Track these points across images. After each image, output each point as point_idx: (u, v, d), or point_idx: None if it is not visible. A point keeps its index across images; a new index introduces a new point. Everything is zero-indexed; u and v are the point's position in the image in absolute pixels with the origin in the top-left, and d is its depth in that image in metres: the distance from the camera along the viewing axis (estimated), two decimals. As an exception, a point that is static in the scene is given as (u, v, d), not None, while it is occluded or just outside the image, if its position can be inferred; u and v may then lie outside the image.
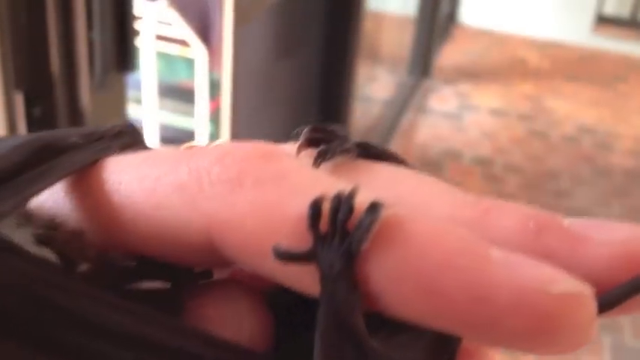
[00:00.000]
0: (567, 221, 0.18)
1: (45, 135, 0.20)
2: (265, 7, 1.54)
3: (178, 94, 1.53)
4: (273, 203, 0.17)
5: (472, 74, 3.19)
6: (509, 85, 3.14)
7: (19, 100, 0.79)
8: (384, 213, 0.16)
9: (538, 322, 0.15)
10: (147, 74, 1.46)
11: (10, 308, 0.15)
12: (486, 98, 3.02)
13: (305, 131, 0.21)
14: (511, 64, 3.35)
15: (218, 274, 0.21)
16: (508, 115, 2.93)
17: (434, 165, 2.56)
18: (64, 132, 0.20)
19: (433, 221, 0.17)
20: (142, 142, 0.22)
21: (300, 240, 0.16)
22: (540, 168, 2.62)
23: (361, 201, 0.16)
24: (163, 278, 0.19)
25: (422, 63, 3.05)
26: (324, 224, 0.16)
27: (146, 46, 1.42)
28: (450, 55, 3.33)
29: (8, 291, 0.15)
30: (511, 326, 0.15)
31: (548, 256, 0.17)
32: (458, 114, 2.89)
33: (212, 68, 1.43)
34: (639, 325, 1.80)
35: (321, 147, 0.20)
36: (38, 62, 0.80)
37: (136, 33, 0.95)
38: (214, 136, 1.49)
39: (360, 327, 0.16)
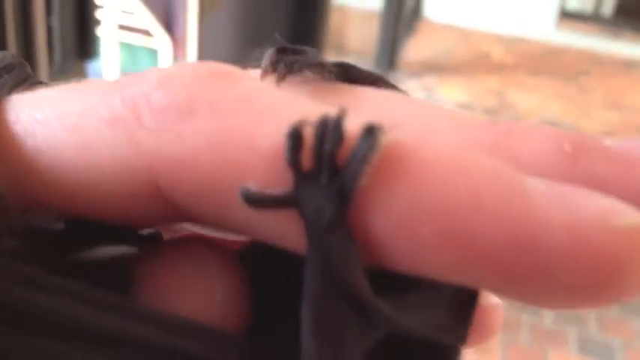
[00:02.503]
0: (608, 141, 0.14)
1: None
2: (230, -3, 1.52)
3: (141, 85, 1.50)
4: (237, 134, 0.13)
5: (437, 68, 3.20)
6: (474, 79, 3.16)
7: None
8: (385, 138, 0.12)
9: (601, 267, 0.12)
10: (109, 64, 1.43)
11: None
12: (451, 92, 3.03)
13: (269, 52, 0.16)
14: (476, 59, 3.36)
15: (169, 234, 0.16)
16: (473, 109, 2.94)
17: (400, 159, 2.56)
18: None
19: (448, 147, 0.13)
20: (38, 79, 0.17)
21: (276, 179, 0.13)
22: (505, 161, 2.64)
23: (353, 126, 0.12)
24: (101, 243, 0.15)
25: (388, 56, 3.05)
26: (306, 157, 0.12)
27: (108, 35, 1.39)
28: (415, 49, 3.34)
29: None
30: (567, 274, 0.12)
31: (592, 183, 0.13)
32: (424, 108, 2.90)
33: (176, 59, 1.41)
34: (604, 318, 1.82)
35: (288, 58, 0.16)
36: (-5, 49, 0.78)
37: (96, 21, 0.93)
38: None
39: (361, 287, 0.12)
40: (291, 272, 0.14)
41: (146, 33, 1.41)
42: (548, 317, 1.77)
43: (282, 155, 0.12)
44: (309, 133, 0.12)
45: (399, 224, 0.12)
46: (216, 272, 0.15)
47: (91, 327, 0.13)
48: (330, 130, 0.12)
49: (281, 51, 0.16)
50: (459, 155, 0.13)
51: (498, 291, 0.13)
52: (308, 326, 0.12)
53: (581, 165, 0.14)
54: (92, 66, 1.06)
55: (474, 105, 2.96)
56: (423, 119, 0.15)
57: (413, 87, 3.01)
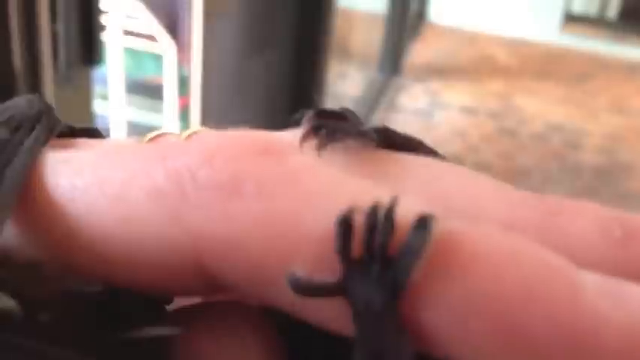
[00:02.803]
0: None
1: None
2: (236, 1, 1.52)
3: (146, 90, 1.50)
4: (284, 216, 0.13)
5: (442, 72, 3.20)
6: (479, 82, 3.15)
7: (-21, 94, 0.76)
8: (437, 229, 0.12)
9: None
10: (114, 70, 1.43)
11: None
12: (456, 96, 3.02)
13: (309, 116, 0.16)
14: (480, 62, 3.36)
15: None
16: (478, 112, 2.93)
17: (405, 163, 2.56)
18: None
19: (501, 235, 0.12)
20: (64, 123, 0.17)
21: (325, 266, 0.12)
22: (510, 166, 2.63)
23: (404, 214, 0.12)
24: (143, 317, 0.15)
25: (392, 60, 3.05)
26: (357, 246, 0.12)
27: (113, 40, 1.39)
28: (420, 52, 3.33)
29: None
30: None
31: None
32: (428, 111, 2.89)
33: (181, 64, 1.41)
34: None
35: (329, 125, 0.15)
36: (0, 55, 0.77)
37: (101, 26, 0.93)
38: (183, 133, 1.46)
39: None
40: (327, 341, 0.14)
41: (151, 38, 1.41)
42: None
43: (331, 242, 0.12)
44: (359, 221, 0.12)
45: (452, 317, 0.12)
46: (252, 337, 0.15)
47: None
48: (381, 219, 0.12)
49: (321, 115, 0.16)
50: (510, 246, 0.12)
51: None
52: None
53: (631, 251, 0.13)
54: (96, 71, 1.05)
55: (479, 109, 2.96)
56: (468, 193, 0.15)
57: (417, 91, 3.00)
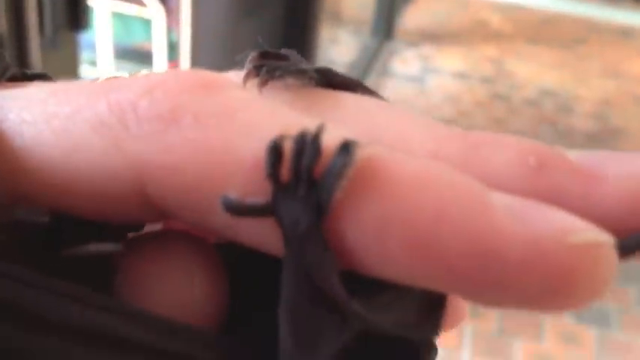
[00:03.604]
0: (573, 154, 0.15)
1: None
2: (225, -35, 1.50)
3: (135, 56, 1.49)
4: (219, 144, 0.14)
5: (435, 37, 3.18)
6: (472, 47, 3.14)
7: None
8: (359, 154, 0.13)
9: (556, 279, 0.13)
10: (102, 35, 1.42)
11: None
12: (449, 61, 3.01)
13: (252, 56, 0.17)
14: (473, 27, 3.34)
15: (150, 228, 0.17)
16: (470, 78, 2.92)
17: (397, 128, 2.55)
18: None
19: (418, 161, 0.14)
20: (22, 71, 0.18)
21: (256, 189, 0.13)
22: (503, 131, 2.61)
23: (330, 140, 0.13)
24: (85, 236, 0.16)
25: (385, 25, 3.03)
26: (285, 170, 0.13)
27: (101, 5, 1.38)
28: (413, 17, 3.31)
29: None
30: (523, 285, 0.13)
31: (554, 197, 0.14)
32: (421, 77, 2.88)
33: (170, 29, 1.39)
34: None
35: (270, 64, 0.16)
36: (-15, 20, 0.76)
37: (88, -10, 0.91)
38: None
39: (338, 291, 0.13)
40: (266, 269, 0.15)
41: (139, 3, 1.39)
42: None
43: (262, 167, 0.13)
44: (288, 147, 0.13)
45: (370, 235, 0.13)
46: (194, 265, 0.15)
47: (72, 323, 0.13)
48: (308, 144, 0.13)
49: (263, 55, 0.17)
50: (428, 169, 0.13)
51: (462, 295, 0.14)
52: (286, 326, 0.13)
53: (544, 179, 0.15)
54: (84, 37, 1.04)
55: (471, 74, 2.95)
56: (398, 128, 0.16)
57: (410, 56, 2.99)
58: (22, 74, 0.17)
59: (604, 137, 2.65)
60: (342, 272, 0.13)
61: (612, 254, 0.13)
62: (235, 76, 0.17)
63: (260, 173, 0.13)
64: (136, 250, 0.16)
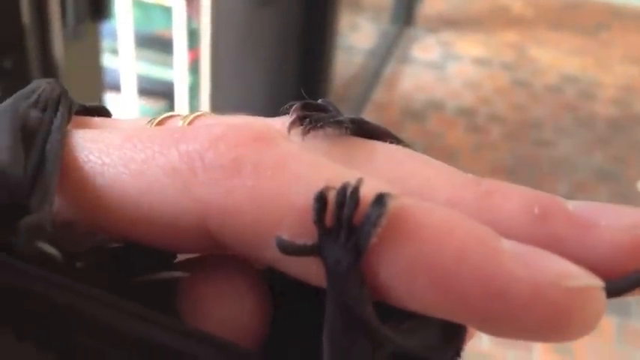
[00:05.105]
0: (572, 205, 0.18)
1: (6, 112, 0.18)
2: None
3: (156, 43, 1.49)
4: (274, 192, 0.16)
5: (455, 22, 3.16)
6: (493, 33, 3.11)
7: (-12, 51, 0.76)
8: (391, 205, 0.16)
9: (553, 317, 0.15)
10: (123, 24, 1.42)
11: (10, 307, 0.15)
12: (469, 47, 2.99)
13: (295, 107, 0.20)
14: (494, 12, 3.31)
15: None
16: (491, 64, 2.90)
17: (417, 116, 2.54)
18: (11, 104, 0.19)
19: (442, 210, 0.16)
20: (82, 105, 0.21)
21: (304, 232, 0.16)
22: (523, 118, 2.61)
23: (367, 192, 0.16)
24: (154, 264, 0.18)
25: (405, 11, 3.01)
26: (329, 217, 0.16)
27: (122, -6, 1.38)
28: (433, 3, 3.29)
29: (8, 290, 0.15)
30: (526, 320, 0.15)
31: (554, 243, 0.17)
32: (441, 63, 2.86)
33: (190, 17, 1.40)
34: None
35: (312, 116, 0.19)
36: (8, 12, 0.77)
37: (110, -20, 0.92)
38: (194, 87, 1.46)
39: (372, 319, 0.16)
40: (304, 291, 0.17)
41: (160, -9, 1.40)
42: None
43: (310, 214, 0.16)
44: (332, 197, 0.16)
45: (400, 274, 0.16)
46: (245, 284, 0.18)
47: (137, 336, 0.16)
48: (348, 196, 0.16)
49: (305, 107, 0.20)
50: (450, 219, 0.16)
51: (475, 327, 0.16)
52: (328, 348, 0.16)
53: (546, 226, 0.17)
54: (105, 26, 1.05)
55: (492, 60, 2.93)
56: (422, 175, 0.19)
57: (431, 43, 2.97)
58: (82, 108, 0.21)
59: (626, 124, 2.62)
60: (375, 303, 0.16)
61: (601, 295, 0.16)
62: (281, 123, 0.20)
63: (308, 218, 0.16)
64: (195, 273, 0.18)
